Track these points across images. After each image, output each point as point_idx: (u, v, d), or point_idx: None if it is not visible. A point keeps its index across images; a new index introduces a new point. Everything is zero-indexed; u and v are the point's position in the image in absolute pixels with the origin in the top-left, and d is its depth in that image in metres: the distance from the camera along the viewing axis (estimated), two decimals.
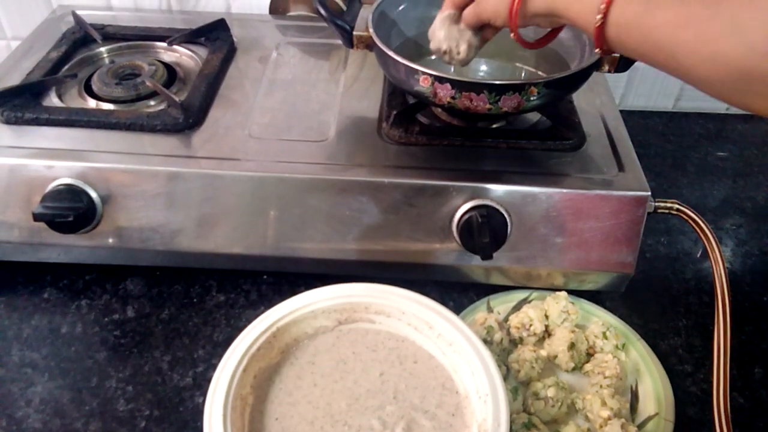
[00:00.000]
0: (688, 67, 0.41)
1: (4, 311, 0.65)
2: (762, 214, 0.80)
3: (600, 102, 0.73)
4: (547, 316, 0.62)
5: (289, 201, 0.62)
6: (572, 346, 0.59)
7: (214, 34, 0.81)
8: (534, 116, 0.70)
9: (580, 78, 0.62)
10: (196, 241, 0.64)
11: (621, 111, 0.73)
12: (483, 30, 0.59)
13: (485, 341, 0.58)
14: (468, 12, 0.57)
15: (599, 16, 0.45)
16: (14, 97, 0.67)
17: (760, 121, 0.97)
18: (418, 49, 0.71)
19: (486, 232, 0.59)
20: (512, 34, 0.54)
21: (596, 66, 0.62)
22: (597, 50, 0.48)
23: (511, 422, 0.51)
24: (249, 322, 0.55)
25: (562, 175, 0.63)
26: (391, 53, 0.61)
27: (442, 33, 0.60)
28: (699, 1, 0.40)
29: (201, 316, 0.65)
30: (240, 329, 0.55)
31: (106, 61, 0.79)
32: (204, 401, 0.50)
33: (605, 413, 0.53)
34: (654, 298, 0.69)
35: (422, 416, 0.51)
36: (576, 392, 0.57)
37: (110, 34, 0.81)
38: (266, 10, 0.91)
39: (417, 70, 0.59)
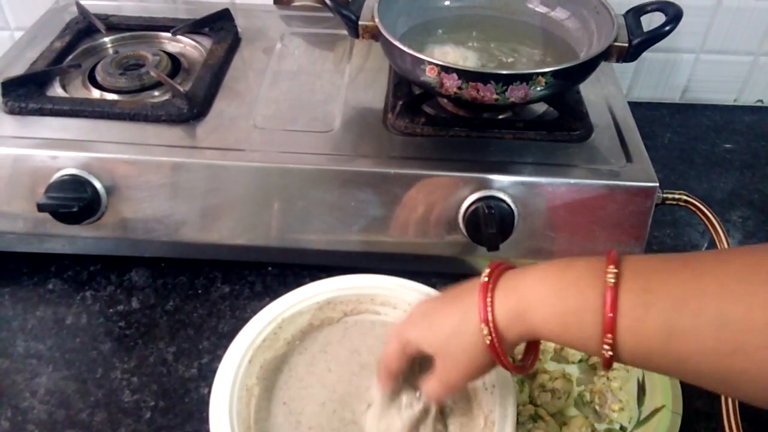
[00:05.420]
0: (746, 392, 0.34)
1: (8, 302, 0.65)
2: None
3: (607, 93, 0.73)
4: None
5: (293, 192, 0.62)
6: None
7: (218, 25, 0.80)
8: (541, 107, 0.70)
9: (588, 68, 0.61)
10: (200, 232, 0.63)
11: (628, 102, 0.72)
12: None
13: None
14: (435, 388, 0.44)
15: (606, 347, 0.36)
16: (18, 87, 0.67)
17: None
18: (424, 38, 0.70)
19: (493, 223, 0.58)
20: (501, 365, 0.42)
21: (604, 56, 0.61)
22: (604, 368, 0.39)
23: (518, 414, 0.51)
24: (254, 313, 0.55)
25: (569, 165, 0.62)
26: (397, 43, 0.60)
27: None
28: (741, 322, 0.32)
29: (206, 308, 0.65)
30: (245, 320, 0.55)
31: (110, 51, 0.79)
32: (209, 392, 0.50)
33: (615, 405, 0.53)
34: None
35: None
36: (583, 384, 0.57)
37: (114, 24, 0.81)
38: (270, 1, 0.90)
39: (423, 60, 0.59)
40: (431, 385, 0.44)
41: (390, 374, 0.47)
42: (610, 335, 0.35)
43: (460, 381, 0.44)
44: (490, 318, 0.39)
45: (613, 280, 0.36)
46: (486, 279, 0.41)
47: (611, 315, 0.35)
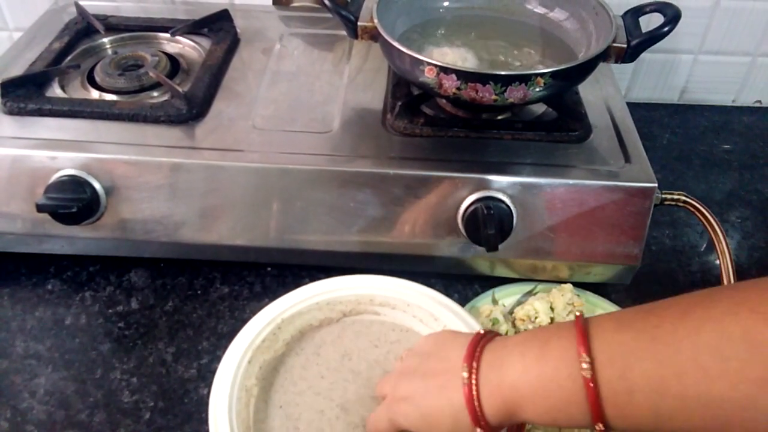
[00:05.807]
0: None
1: (7, 303, 0.65)
2: None
3: (606, 93, 0.73)
4: (552, 309, 0.61)
5: (292, 192, 0.62)
6: None
7: (218, 25, 0.80)
8: (539, 107, 0.70)
9: (586, 68, 0.61)
10: (199, 232, 0.63)
11: (626, 103, 0.72)
12: None
13: None
14: None
15: (600, 431, 0.37)
16: (17, 87, 0.67)
17: (766, 113, 0.96)
18: (423, 39, 0.70)
19: (491, 223, 0.58)
20: None
21: (603, 57, 0.61)
22: None
23: None
24: (253, 314, 0.56)
25: (568, 166, 0.62)
26: (396, 44, 0.60)
27: None
28: (726, 399, 0.33)
29: (205, 308, 0.65)
30: (244, 321, 0.55)
31: (109, 51, 0.79)
32: (209, 393, 0.50)
33: None
34: (660, 290, 0.69)
35: None
36: None
37: (113, 25, 0.81)
38: (269, 1, 0.90)
39: (422, 61, 0.59)
40: None
41: None
42: (600, 424, 0.37)
43: None
44: (482, 423, 0.40)
45: (589, 372, 0.36)
46: (467, 376, 0.41)
47: (596, 407, 0.36)
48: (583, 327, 0.38)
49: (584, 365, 0.36)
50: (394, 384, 0.47)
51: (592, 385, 0.36)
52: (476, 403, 0.40)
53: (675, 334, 0.35)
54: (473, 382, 0.41)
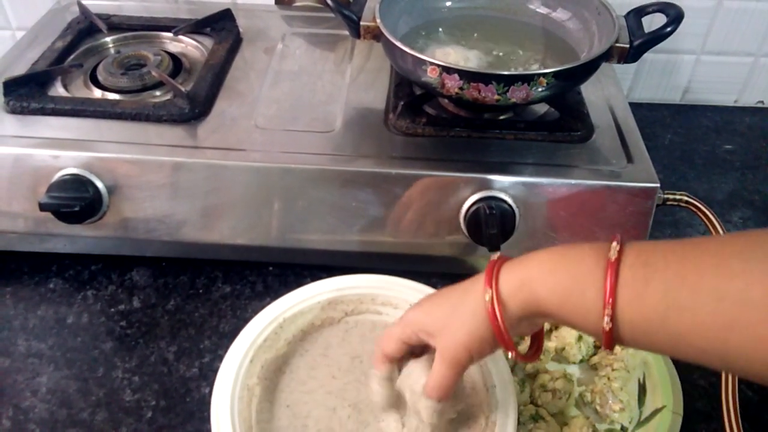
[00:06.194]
0: (744, 367, 0.34)
1: (10, 301, 0.65)
2: None
3: (608, 93, 0.73)
4: None
5: (295, 192, 0.62)
6: (580, 338, 0.59)
7: (220, 25, 0.81)
8: (542, 107, 0.70)
9: (589, 68, 0.61)
10: (201, 231, 0.63)
11: (629, 103, 0.72)
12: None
13: None
14: (437, 382, 0.43)
15: (606, 320, 0.36)
16: (20, 86, 0.67)
17: None
18: (425, 39, 0.70)
19: (494, 223, 0.59)
20: (511, 354, 0.42)
21: (605, 57, 0.61)
22: (605, 349, 0.40)
23: (519, 414, 0.51)
24: (255, 313, 0.56)
25: (570, 166, 0.62)
26: (398, 43, 0.60)
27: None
28: (738, 296, 0.32)
29: (207, 307, 0.65)
30: (246, 320, 0.55)
31: (112, 51, 0.79)
32: (210, 392, 0.50)
33: (616, 406, 0.53)
34: None
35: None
36: (584, 385, 0.57)
37: (115, 24, 0.81)
38: (272, 1, 0.90)
39: (425, 61, 0.59)
40: (435, 370, 0.43)
41: (384, 355, 0.46)
42: (610, 307, 0.36)
43: (461, 358, 0.42)
44: (493, 283, 0.40)
45: (615, 256, 0.37)
46: (494, 259, 0.42)
47: (612, 287, 0.36)
48: (620, 236, 0.38)
49: (613, 249, 0.37)
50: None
51: (613, 266, 0.36)
52: (494, 269, 0.41)
53: (705, 242, 0.36)
54: (496, 262, 0.41)
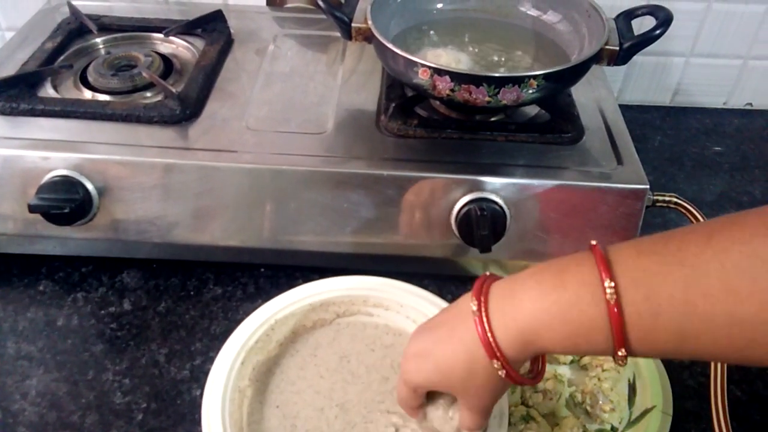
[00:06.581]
0: (760, 364, 0.35)
1: None
2: None
3: (598, 95, 0.73)
4: None
5: (286, 193, 0.62)
6: None
7: (211, 26, 0.80)
8: (532, 109, 0.70)
9: (579, 70, 0.62)
10: (193, 233, 0.63)
11: (619, 105, 0.73)
12: None
13: None
14: (473, 419, 0.44)
15: (621, 355, 0.36)
16: (9, 87, 0.67)
17: (758, 116, 0.97)
18: (416, 41, 0.70)
19: (485, 225, 0.59)
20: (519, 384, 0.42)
21: (596, 59, 0.61)
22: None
23: (510, 415, 0.51)
24: (246, 314, 0.55)
25: (560, 168, 0.62)
26: (389, 45, 0.60)
27: None
28: (756, 319, 0.32)
29: (198, 309, 0.65)
30: (237, 322, 0.55)
31: (102, 52, 0.78)
32: (201, 394, 0.50)
33: (606, 406, 0.54)
34: None
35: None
36: (574, 385, 0.57)
37: (106, 25, 0.80)
38: (263, 2, 0.90)
39: (416, 63, 0.59)
40: (467, 417, 0.44)
41: (414, 410, 0.47)
42: (623, 349, 0.36)
43: (489, 406, 0.43)
44: (498, 354, 0.39)
45: (613, 297, 0.35)
46: (476, 308, 0.39)
47: (620, 332, 0.35)
48: (603, 254, 0.37)
49: (608, 289, 0.35)
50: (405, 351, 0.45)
51: (616, 309, 0.35)
52: (489, 335, 0.38)
53: (701, 256, 0.34)
54: (483, 313, 0.39)
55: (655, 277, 0.35)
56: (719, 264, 0.33)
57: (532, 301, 0.38)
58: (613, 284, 0.35)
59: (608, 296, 0.35)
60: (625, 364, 0.37)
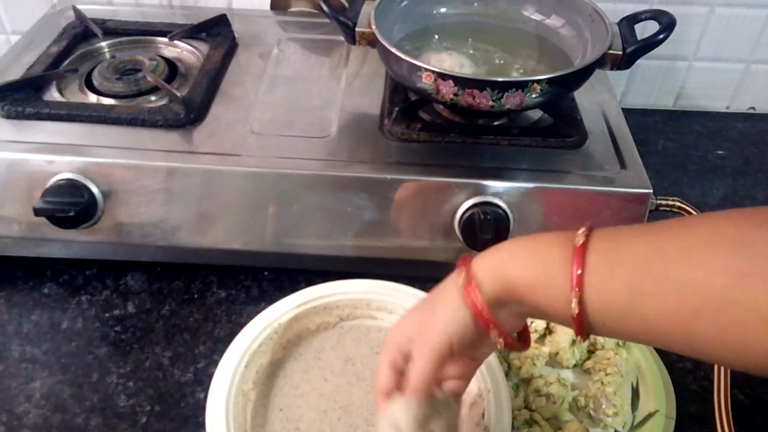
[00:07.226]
0: (711, 354, 0.35)
1: (4, 306, 0.65)
2: None
3: (601, 99, 0.73)
4: None
5: (290, 197, 0.62)
6: (574, 342, 0.59)
7: (216, 30, 0.81)
8: (536, 113, 0.70)
9: (582, 75, 0.62)
10: (197, 236, 0.63)
11: (622, 109, 0.73)
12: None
13: None
14: (416, 375, 0.42)
15: (574, 305, 0.36)
16: (15, 91, 0.67)
17: (760, 120, 0.97)
18: (420, 45, 0.71)
19: (488, 228, 0.59)
20: (498, 338, 0.40)
21: (599, 63, 0.62)
22: (578, 338, 0.39)
23: (513, 419, 0.51)
24: (250, 318, 0.56)
25: (563, 172, 0.62)
26: (393, 49, 0.60)
27: None
28: (701, 287, 0.33)
29: (202, 312, 0.65)
30: (241, 325, 0.55)
31: (107, 56, 0.79)
32: (205, 397, 0.50)
33: (610, 410, 0.54)
34: None
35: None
36: (577, 389, 0.57)
37: (111, 29, 0.81)
38: (267, 6, 0.90)
39: (420, 67, 0.59)
40: (411, 369, 0.42)
41: (378, 392, 0.44)
42: (577, 289, 0.36)
43: (439, 345, 0.41)
44: (466, 266, 0.40)
45: (581, 241, 0.37)
46: (460, 266, 0.42)
47: (579, 272, 0.36)
48: (588, 225, 0.39)
49: (579, 237, 0.37)
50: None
51: (580, 252, 0.37)
52: (466, 263, 0.41)
53: (670, 228, 0.36)
54: (467, 270, 0.40)
55: (624, 237, 0.37)
56: (684, 234, 0.35)
57: (512, 241, 0.41)
58: (585, 233, 0.38)
59: (577, 240, 0.37)
60: (582, 332, 0.37)
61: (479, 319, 0.40)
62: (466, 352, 0.42)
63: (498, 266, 0.40)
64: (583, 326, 0.37)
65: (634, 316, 0.36)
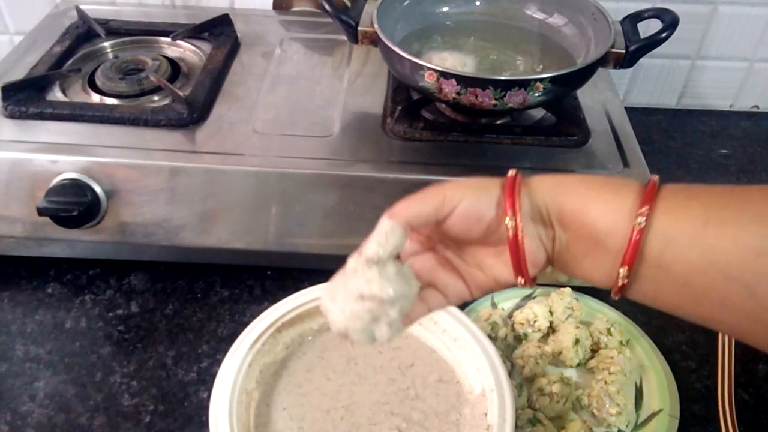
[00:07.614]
0: (761, 300, 0.32)
1: (7, 306, 0.65)
2: None
3: (604, 98, 0.73)
4: (551, 312, 0.62)
5: (293, 196, 0.62)
6: (577, 342, 0.59)
7: (218, 30, 0.81)
8: (538, 112, 0.70)
9: (585, 73, 0.62)
10: (200, 236, 0.63)
11: (625, 107, 0.73)
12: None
13: (490, 337, 0.58)
14: (405, 201, 0.41)
15: (640, 221, 0.33)
16: (18, 91, 0.67)
17: (764, 118, 0.97)
18: (422, 44, 0.71)
19: None
20: (512, 220, 0.38)
21: (602, 62, 0.62)
22: (616, 295, 0.37)
23: (516, 418, 0.51)
24: (253, 317, 0.56)
25: (566, 170, 0.62)
26: (396, 48, 0.60)
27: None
28: None
29: (205, 312, 0.65)
30: (244, 324, 0.55)
31: (110, 56, 0.79)
32: (209, 396, 0.50)
33: (613, 409, 0.54)
34: None
35: (431, 413, 0.51)
36: (581, 388, 0.57)
37: (114, 29, 0.81)
38: (270, 6, 0.90)
39: (422, 66, 0.59)
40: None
41: (406, 208, 0.40)
42: (647, 206, 0.34)
43: (444, 188, 0.39)
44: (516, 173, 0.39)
45: (656, 178, 0.36)
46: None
47: (651, 192, 0.34)
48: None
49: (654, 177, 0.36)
50: None
51: (655, 180, 0.35)
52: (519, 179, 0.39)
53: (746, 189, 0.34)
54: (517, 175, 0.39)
55: (688, 190, 0.36)
56: (739, 213, 0.33)
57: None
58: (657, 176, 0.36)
59: (653, 177, 0.36)
60: (630, 264, 0.35)
61: (508, 196, 0.37)
62: (463, 234, 0.39)
63: (555, 178, 0.39)
64: (633, 256, 0.34)
65: (700, 247, 0.33)
